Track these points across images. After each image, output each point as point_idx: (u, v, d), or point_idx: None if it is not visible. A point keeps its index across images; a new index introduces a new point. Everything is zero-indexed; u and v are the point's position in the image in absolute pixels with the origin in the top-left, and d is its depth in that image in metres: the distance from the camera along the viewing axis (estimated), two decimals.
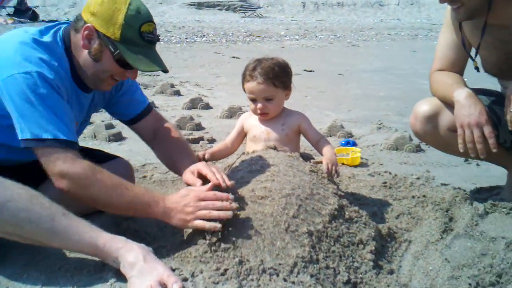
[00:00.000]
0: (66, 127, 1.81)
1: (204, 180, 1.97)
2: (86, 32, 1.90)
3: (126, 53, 1.90)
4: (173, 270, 1.66)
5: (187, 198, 1.84)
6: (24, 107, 1.75)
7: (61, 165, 1.76)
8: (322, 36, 17.98)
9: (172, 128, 2.40)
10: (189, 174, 2.05)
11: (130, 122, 2.37)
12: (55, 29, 2.00)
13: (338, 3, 40.37)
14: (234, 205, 1.80)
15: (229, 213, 1.78)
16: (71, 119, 1.88)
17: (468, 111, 2.06)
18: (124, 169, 2.40)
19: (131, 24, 1.89)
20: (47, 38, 1.94)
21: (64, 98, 1.89)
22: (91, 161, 1.87)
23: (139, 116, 2.36)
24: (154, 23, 1.99)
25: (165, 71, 2.04)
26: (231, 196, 1.83)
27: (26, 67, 1.77)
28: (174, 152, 2.31)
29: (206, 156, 2.41)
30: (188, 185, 2.03)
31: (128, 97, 2.33)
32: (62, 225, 1.65)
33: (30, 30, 1.95)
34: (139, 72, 2.03)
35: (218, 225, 1.75)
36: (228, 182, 1.90)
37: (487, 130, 2.01)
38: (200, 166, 2.05)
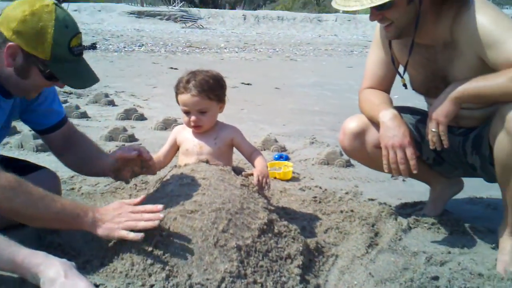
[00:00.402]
0: None
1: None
2: (10, 51, 1.81)
3: (58, 72, 1.86)
4: (97, 286, 1.62)
5: (118, 209, 1.82)
6: None
7: None
8: (262, 50, 18.16)
9: (86, 136, 2.41)
10: (122, 149, 2.11)
11: (43, 132, 2.31)
12: None
13: (278, 17, 40.87)
14: (162, 215, 1.79)
15: (155, 222, 1.76)
16: None
17: (392, 132, 2.13)
18: (50, 180, 2.32)
19: (60, 42, 1.82)
20: None
21: None
22: (15, 172, 1.79)
23: (53, 127, 2.30)
24: (80, 32, 1.93)
25: (97, 81, 2.00)
26: (159, 206, 1.82)
27: None
28: (90, 153, 2.30)
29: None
30: (121, 158, 2.15)
31: (46, 106, 2.26)
32: None
33: None
34: None
35: (140, 235, 1.72)
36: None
37: (409, 152, 2.09)
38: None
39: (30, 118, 2.28)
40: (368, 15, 2.15)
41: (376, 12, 2.10)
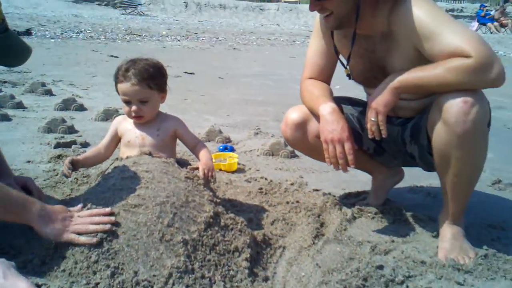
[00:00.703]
0: None
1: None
2: None
3: None
4: (39, 286, 1.55)
5: (66, 213, 1.76)
6: None
7: None
8: (204, 38, 18.00)
9: None
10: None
11: None
12: None
13: (220, 5, 40.65)
14: (113, 217, 1.73)
15: (107, 226, 1.71)
16: None
17: (331, 126, 2.15)
18: None
19: None
20: None
21: None
22: None
23: None
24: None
25: (30, 53, 1.97)
26: (107, 209, 1.76)
27: None
28: None
29: (72, 161, 2.28)
30: None
31: None
32: None
33: None
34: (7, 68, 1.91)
35: (93, 240, 1.67)
36: None
37: (347, 146, 2.11)
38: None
39: None
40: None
41: (315, 2, 2.11)
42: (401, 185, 2.81)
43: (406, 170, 2.74)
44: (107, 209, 1.78)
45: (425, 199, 2.90)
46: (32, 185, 2.21)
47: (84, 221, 1.73)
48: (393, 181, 2.70)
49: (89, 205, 1.85)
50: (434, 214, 2.39)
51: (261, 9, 40.99)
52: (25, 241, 1.94)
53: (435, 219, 2.28)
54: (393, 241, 2.21)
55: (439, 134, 2.00)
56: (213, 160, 2.40)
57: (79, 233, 1.70)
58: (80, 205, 1.86)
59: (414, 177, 3.05)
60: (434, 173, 2.26)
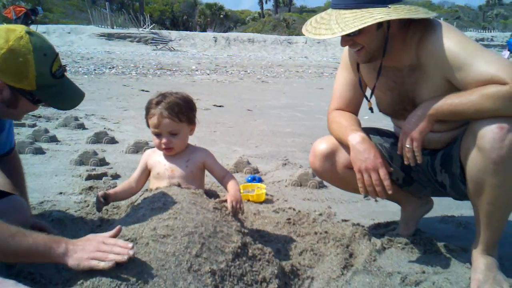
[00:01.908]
0: None
1: None
2: None
3: (46, 98, 1.92)
4: None
5: (90, 241, 1.77)
6: None
7: None
8: (233, 72, 18.25)
9: (18, 163, 2.51)
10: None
11: None
12: None
13: (249, 39, 41.28)
14: (132, 251, 1.74)
15: (125, 257, 1.71)
16: None
17: (363, 155, 2.15)
18: (18, 207, 2.26)
19: (42, 72, 1.87)
20: None
21: None
22: None
23: (7, 153, 2.41)
24: (58, 54, 1.97)
25: (83, 96, 2.09)
26: (130, 244, 1.77)
27: None
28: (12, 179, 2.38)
29: (104, 194, 2.32)
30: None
31: (10, 127, 2.36)
32: None
33: None
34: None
35: (110, 263, 1.68)
36: None
37: (382, 172, 2.10)
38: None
39: None
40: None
41: (346, 38, 2.12)
42: (431, 215, 2.77)
43: (436, 200, 2.70)
44: (130, 244, 1.77)
45: (457, 229, 2.84)
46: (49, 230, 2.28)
47: (106, 249, 1.74)
48: (423, 211, 2.67)
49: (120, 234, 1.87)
50: (466, 245, 2.35)
51: (289, 42, 41.45)
52: (55, 271, 1.98)
53: (467, 250, 2.24)
54: (424, 272, 2.17)
55: (474, 161, 1.98)
56: (241, 191, 2.41)
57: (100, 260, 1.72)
58: (116, 229, 1.85)
59: (445, 207, 3.01)
60: (465, 202, 2.23)
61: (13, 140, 2.46)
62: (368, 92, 2.43)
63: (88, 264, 1.71)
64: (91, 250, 1.73)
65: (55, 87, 1.93)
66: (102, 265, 1.69)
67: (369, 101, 2.40)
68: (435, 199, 2.69)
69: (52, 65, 1.91)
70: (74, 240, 1.79)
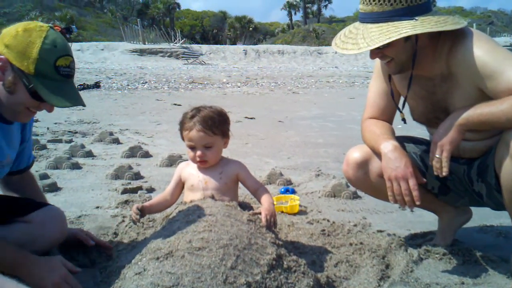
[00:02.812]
0: None
1: None
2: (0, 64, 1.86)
3: (40, 87, 1.88)
4: None
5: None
6: None
7: None
8: (263, 83, 18.33)
9: (33, 179, 2.56)
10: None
11: (13, 173, 2.38)
12: None
13: (279, 51, 41.45)
14: None
15: None
16: None
17: (394, 164, 2.13)
18: (55, 217, 2.30)
19: (45, 58, 1.87)
20: None
21: None
22: (17, 211, 1.93)
23: (23, 169, 2.42)
24: (72, 57, 1.97)
25: (83, 105, 2.02)
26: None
27: None
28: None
29: (140, 207, 2.36)
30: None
31: (26, 145, 2.35)
32: None
33: None
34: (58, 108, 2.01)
35: None
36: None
37: (412, 182, 2.08)
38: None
39: None
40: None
41: (375, 51, 2.13)
42: (469, 225, 2.71)
43: (475, 209, 2.64)
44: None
45: (496, 239, 2.77)
46: (81, 236, 2.36)
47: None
48: (461, 220, 2.61)
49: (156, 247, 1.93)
50: (506, 254, 2.29)
51: (319, 52, 41.44)
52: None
53: (508, 260, 2.19)
54: (463, 283, 2.13)
55: (508, 170, 1.94)
56: (275, 203, 2.41)
57: None
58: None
59: (483, 216, 2.94)
60: (504, 212, 2.17)
61: (32, 156, 2.50)
62: (400, 102, 2.41)
63: None
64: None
65: (53, 81, 1.91)
66: None
67: (401, 112, 2.38)
68: (473, 208, 2.63)
69: (58, 58, 1.90)
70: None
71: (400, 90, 2.40)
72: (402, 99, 2.43)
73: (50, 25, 1.96)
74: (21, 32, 1.87)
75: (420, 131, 2.57)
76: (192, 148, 2.35)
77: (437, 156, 2.09)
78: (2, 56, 1.87)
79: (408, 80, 2.25)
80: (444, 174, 2.08)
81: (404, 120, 2.38)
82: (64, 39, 1.98)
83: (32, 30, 1.89)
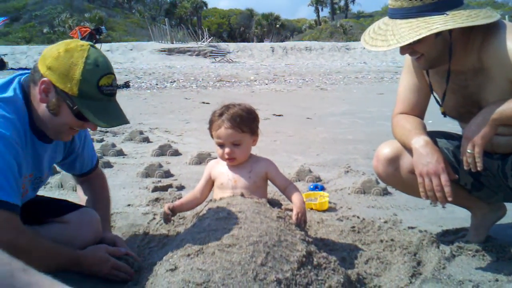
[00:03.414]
0: (10, 188, 1.78)
1: None
2: (43, 86, 1.88)
3: (85, 109, 1.89)
4: None
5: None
6: None
7: (4, 235, 1.72)
8: (291, 80, 18.28)
9: (104, 183, 2.63)
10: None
11: (78, 176, 2.52)
12: (14, 82, 1.98)
13: (306, 47, 41.29)
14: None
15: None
16: (17, 179, 1.84)
17: (425, 159, 2.10)
18: (91, 219, 2.35)
19: (88, 79, 1.87)
20: (7, 93, 1.92)
21: (20, 154, 1.86)
22: (55, 212, 1.95)
23: (86, 173, 2.51)
24: (114, 74, 1.98)
25: (126, 123, 2.04)
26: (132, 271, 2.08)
27: None
28: (94, 205, 2.46)
29: (171, 207, 2.41)
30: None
31: (83, 151, 2.40)
32: (23, 281, 1.59)
33: None
34: None
35: None
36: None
37: (443, 178, 2.05)
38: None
39: (64, 166, 2.47)
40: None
41: (405, 47, 2.09)
42: (503, 221, 2.65)
43: (509, 205, 2.59)
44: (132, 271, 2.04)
45: None
46: (119, 243, 2.36)
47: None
48: (495, 217, 2.56)
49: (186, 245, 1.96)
50: None
51: (347, 48, 41.12)
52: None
53: None
54: (497, 280, 2.09)
55: None
56: (304, 199, 2.41)
57: None
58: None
59: None
60: None
61: (95, 156, 2.56)
62: (437, 97, 2.37)
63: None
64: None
65: (97, 101, 1.91)
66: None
67: (441, 106, 2.34)
68: (507, 204, 2.58)
69: (101, 78, 1.90)
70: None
71: (433, 85, 2.37)
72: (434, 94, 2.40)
73: (90, 43, 1.98)
74: (62, 53, 1.87)
75: (451, 126, 2.53)
76: (221, 145, 2.36)
77: (469, 151, 2.05)
78: (45, 79, 1.87)
79: (443, 75, 2.22)
80: (478, 169, 2.05)
81: (444, 113, 2.35)
82: (105, 56, 1.99)
83: (73, 50, 1.88)
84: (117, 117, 1.98)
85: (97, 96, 1.91)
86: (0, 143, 1.77)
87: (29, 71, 2.04)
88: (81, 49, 1.90)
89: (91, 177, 2.53)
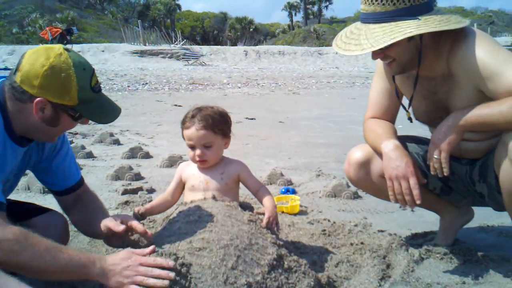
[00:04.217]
0: None
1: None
2: (38, 106, 1.86)
3: (87, 113, 1.95)
4: None
5: (127, 261, 1.77)
6: None
7: None
8: (264, 84, 18.32)
9: (96, 197, 2.44)
10: (110, 219, 2.08)
11: (58, 193, 2.33)
12: None
13: (279, 51, 41.40)
14: (172, 274, 1.73)
15: (166, 282, 1.71)
16: (1, 177, 1.81)
17: (395, 163, 2.12)
18: (58, 223, 2.30)
19: (83, 86, 1.90)
20: None
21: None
22: (21, 216, 1.86)
23: (69, 189, 2.32)
24: (94, 69, 2.00)
25: (119, 111, 2.11)
26: (171, 262, 1.77)
27: None
28: (96, 215, 2.24)
29: (141, 211, 2.36)
30: (109, 230, 2.07)
31: (58, 163, 2.28)
32: None
33: None
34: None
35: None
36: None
37: (412, 181, 2.07)
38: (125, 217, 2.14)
39: (46, 178, 2.32)
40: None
41: (377, 51, 2.10)
42: (470, 224, 2.70)
43: (476, 208, 2.64)
44: (171, 263, 1.77)
45: (498, 238, 2.77)
46: (133, 223, 2.15)
47: (145, 272, 1.74)
48: (463, 220, 2.60)
49: (157, 250, 1.87)
50: (508, 254, 2.29)
51: (319, 53, 41.40)
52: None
53: (509, 259, 2.19)
54: (464, 283, 2.12)
55: (506, 172, 1.94)
56: (275, 203, 2.41)
57: (139, 285, 1.72)
58: (150, 248, 1.86)
59: (485, 216, 2.93)
60: (506, 212, 2.17)
61: (79, 174, 2.40)
62: (405, 102, 2.40)
63: None
64: (129, 275, 1.74)
65: (95, 101, 1.96)
66: None
67: (407, 111, 2.37)
68: (474, 208, 2.62)
69: (91, 79, 1.94)
70: (109, 258, 1.80)
71: (403, 90, 2.39)
72: (405, 98, 2.42)
73: (63, 46, 1.97)
74: (49, 71, 1.83)
75: (421, 131, 2.56)
76: (192, 147, 2.34)
77: (435, 157, 2.08)
78: (39, 98, 1.84)
79: (411, 80, 2.24)
80: (445, 174, 2.08)
81: (410, 119, 2.37)
82: (81, 55, 2.00)
83: (57, 63, 1.85)
84: (113, 109, 2.05)
85: (93, 97, 1.95)
86: None
87: None
88: (63, 59, 1.87)
89: (79, 193, 2.37)
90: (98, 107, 1.97)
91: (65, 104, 1.89)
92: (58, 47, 1.93)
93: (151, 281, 1.71)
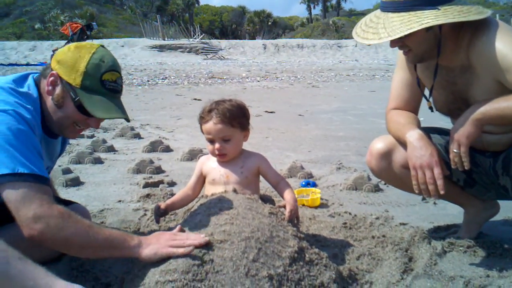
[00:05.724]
0: (41, 164, 1.81)
1: None
2: (51, 78, 1.95)
3: (85, 99, 1.94)
4: None
5: (163, 234, 1.89)
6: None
7: (37, 209, 1.72)
8: (283, 78, 18.26)
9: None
10: None
11: None
12: (28, 79, 2.05)
13: (298, 45, 41.25)
14: (206, 238, 1.84)
15: (202, 241, 1.81)
16: (42, 159, 1.88)
17: (419, 152, 2.10)
18: (81, 215, 2.32)
19: (92, 73, 1.94)
20: (22, 89, 1.98)
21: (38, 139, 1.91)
22: None
23: None
24: (119, 73, 2.04)
25: (126, 119, 2.10)
26: (202, 235, 1.86)
27: (3, 106, 1.79)
28: None
29: (162, 207, 2.39)
30: None
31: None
32: (17, 269, 1.58)
33: (3, 79, 1.98)
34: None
35: (190, 248, 1.77)
36: None
37: (436, 171, 2.05)
38: None
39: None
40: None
41: (395, 40, 2.08)
42: (495, 217, 2.65)
43: (501, 201, 2.59)
44: (202, 235, 1.86)
45: None
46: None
47: (182, 238, 1.84)
48: (487, 214, 2.56)
49: (186, 229, 1.98)
50: None
51: (338, 46, 41.16)
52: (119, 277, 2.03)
53: None
54: (488, 276, 2.09)
55: None
56: (296, 196, 2.40)
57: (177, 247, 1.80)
58: (178, 227, 1.98)
59: (509, 209, 2.88)
60: None
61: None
62: (426, 92, 2.37)
63: (166, 251, 1.79)
64: (166, 241, 1.83)
65: (99, 95, 1.97)
66: (181, 251, 1.77)
67: (428, 100, 2.34)
68: (501, 202, 2.58)
69: (105, 73, 1.97)
70: (145, 236, 1.91)
71: (423, 80, 2.37)
72: (426, 90, 2.40)
73: (101, 44, 2.06)
74: (72, 49, 1.98)
75: (443, 123, 2.53)
76: (211, 141, 2.35)
77: (454, 151, 2.06)
78: (54, 72, 1.96)
79: (433, 70, 2.21)
80: (465, 168, 2.05)
81: (431, 108, 2.35)
82: (113, 56, 2.06)
83: (83, 47, 2.00)
84: (116, 110, 2.03)
85: (99, 90, 1.97)
86: (25, 125, 1.82)
87: (27, 73, 2.10)
88: (90, 46, 2.01)
89: None
90: (100, 101, 1.97)
91: (70, 82, 1.94)
92: (98, 44, 2.05)
93: (188, 242, 1.81)
